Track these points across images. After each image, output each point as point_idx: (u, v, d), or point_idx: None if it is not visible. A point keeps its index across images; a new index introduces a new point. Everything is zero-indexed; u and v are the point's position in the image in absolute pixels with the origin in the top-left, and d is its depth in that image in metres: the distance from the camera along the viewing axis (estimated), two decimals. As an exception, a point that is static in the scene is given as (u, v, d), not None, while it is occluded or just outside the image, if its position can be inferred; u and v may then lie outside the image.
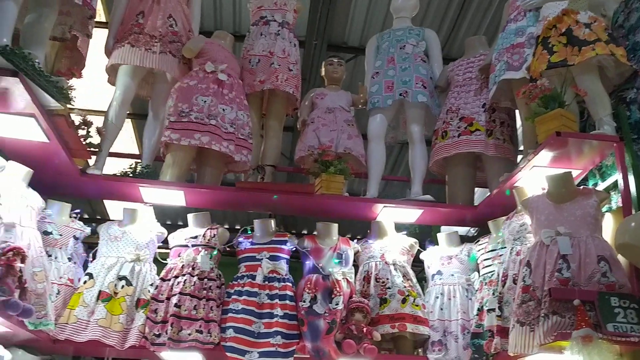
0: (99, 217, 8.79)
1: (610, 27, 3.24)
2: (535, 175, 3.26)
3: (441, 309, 3.69)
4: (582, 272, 2.70)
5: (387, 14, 5.92)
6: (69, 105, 3.17)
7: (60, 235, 3.57)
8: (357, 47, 6.37)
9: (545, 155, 3.11)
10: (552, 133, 2.94)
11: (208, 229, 3.72)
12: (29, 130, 3.09)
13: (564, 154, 3.11)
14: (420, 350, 3.73)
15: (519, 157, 3.90)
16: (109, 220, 3.83)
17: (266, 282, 3.56)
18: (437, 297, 3.74)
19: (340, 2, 5.61)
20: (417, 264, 4.05)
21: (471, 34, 5.91)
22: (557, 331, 2.59)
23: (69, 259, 3.56)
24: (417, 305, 3.63)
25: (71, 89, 3.15)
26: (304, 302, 3.51)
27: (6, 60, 2.62)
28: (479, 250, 3.71)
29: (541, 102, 3.06)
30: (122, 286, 3.46)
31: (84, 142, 3.49)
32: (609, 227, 2.98)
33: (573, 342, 2.51)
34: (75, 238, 3.66)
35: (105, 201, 8.02)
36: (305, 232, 7.98)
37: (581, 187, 3.12)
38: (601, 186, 3.23)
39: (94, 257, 3.65)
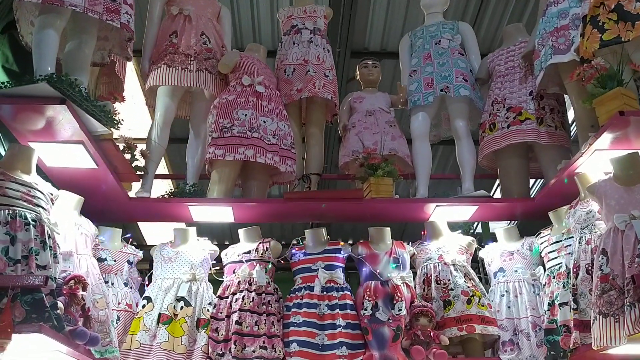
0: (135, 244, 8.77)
1: None
2: (597, 159, 3.12)
3: (509, 307, 3.55)
4: (665, 254, 2.56)
5: (406, 16, 5.86)
6: (115, 130, 3.16)
7: (115, 261, 3.55)
8: (378, 51, 6.29)
9: (606, 138, 2.97)
10: (614, 113, 2.80)
11: (260, 243, 3.66)
12: (78, 158, 3.08)
13: (626, 134, 2.95)
14: (490, 350, 3.60)
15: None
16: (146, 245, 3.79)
17: (325, 293, 3.48)
18: (503, 295, 3.60)
19: (360, 9, 5.57)
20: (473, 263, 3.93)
21: (493, 27, 5.80)
22: (646, 319, 2.46)
23: (125, 284, 3.54)
24: (482, 305, 3.50)
25: (116, 113, 3.14)
26: (366, 310, 3.41)
27: (53, 88, 2.60)
28: (542, 243, 3.56)
29: (597, 82, 2.93)
30: (182, 307, 3.42)
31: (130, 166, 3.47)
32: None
33: (664, 329, 2.37)
34: (129, 263, 3.63)
35: (141, 226, 7.96)
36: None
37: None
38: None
39: (149, 281, 3.62)
